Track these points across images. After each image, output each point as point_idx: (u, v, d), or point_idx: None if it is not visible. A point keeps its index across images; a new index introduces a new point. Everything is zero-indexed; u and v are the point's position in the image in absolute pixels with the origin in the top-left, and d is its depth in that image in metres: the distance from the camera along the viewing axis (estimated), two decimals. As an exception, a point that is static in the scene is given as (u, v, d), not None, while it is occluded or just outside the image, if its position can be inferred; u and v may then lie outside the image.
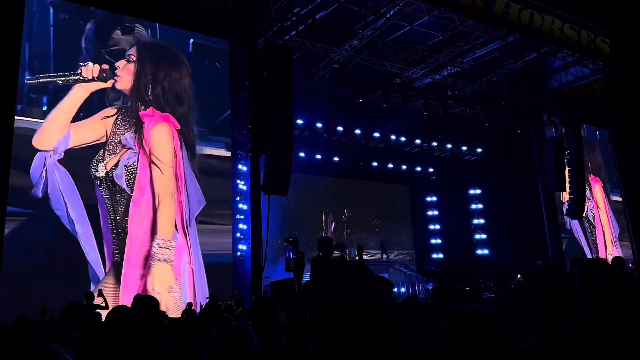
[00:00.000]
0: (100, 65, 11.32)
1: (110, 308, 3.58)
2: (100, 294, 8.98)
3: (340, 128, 16.86)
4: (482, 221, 20.20)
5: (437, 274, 13.56)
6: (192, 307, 9.31)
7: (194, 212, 11.85)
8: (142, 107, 11.65)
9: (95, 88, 11.23)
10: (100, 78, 11.25)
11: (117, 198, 10.99)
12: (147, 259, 10.97)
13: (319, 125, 16.30)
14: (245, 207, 13.83)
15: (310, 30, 12.77)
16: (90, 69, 11.17)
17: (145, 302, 3.05)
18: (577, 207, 17.04)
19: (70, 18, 11.48)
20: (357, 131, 17.26)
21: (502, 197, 18.73)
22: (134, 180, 11.22)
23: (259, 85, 11.72)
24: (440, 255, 20.23)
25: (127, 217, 10.95)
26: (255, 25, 12.66)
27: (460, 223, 20.27)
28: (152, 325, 2.64)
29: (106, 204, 10.88)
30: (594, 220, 19.49)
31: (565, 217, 18.01)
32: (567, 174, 17.21)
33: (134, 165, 11.29)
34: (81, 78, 11.04)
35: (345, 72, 14.47)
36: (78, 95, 10.96)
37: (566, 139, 17.39)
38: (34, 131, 10.34)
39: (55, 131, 10.57)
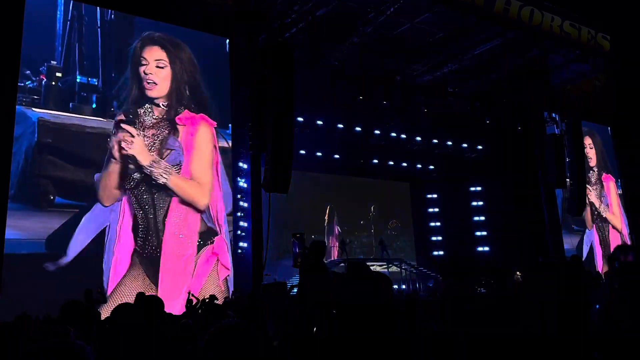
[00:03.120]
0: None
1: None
2: (100, 289, 8.99)
3: (340, 125, 16.81)
4: (482, 218, 20.18)
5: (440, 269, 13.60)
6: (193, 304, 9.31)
7: (228, 207, 12.59)
8: (182, 108, 12.16)
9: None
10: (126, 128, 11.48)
11: (159, 200, 11.43)
12: (188, 260, 11.59)
13: (320, 122, 16.25)
14: (246, 204, 13.81)
15: (310, 27, 12.75)
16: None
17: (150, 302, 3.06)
18: (577, 204, 17.02)
19: (116, 19, 12.01)
20: (358, 128, 17.19)
21: (503, 194, 18.71)
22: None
23: (259, 82, 11.71)
24: (441, 253, 20.22)
25: (167, 219, 11.40)
26: (255, 23, 12.65)
27: (461, 220, 20.23)
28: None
29: (145, 207, 11.27)
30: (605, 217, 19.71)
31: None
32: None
33: (178, 166, 11.82)
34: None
35: (345, 70, 14.46)
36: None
37: (567, 136, 17.36)
38: (84, 127, 11.00)
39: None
